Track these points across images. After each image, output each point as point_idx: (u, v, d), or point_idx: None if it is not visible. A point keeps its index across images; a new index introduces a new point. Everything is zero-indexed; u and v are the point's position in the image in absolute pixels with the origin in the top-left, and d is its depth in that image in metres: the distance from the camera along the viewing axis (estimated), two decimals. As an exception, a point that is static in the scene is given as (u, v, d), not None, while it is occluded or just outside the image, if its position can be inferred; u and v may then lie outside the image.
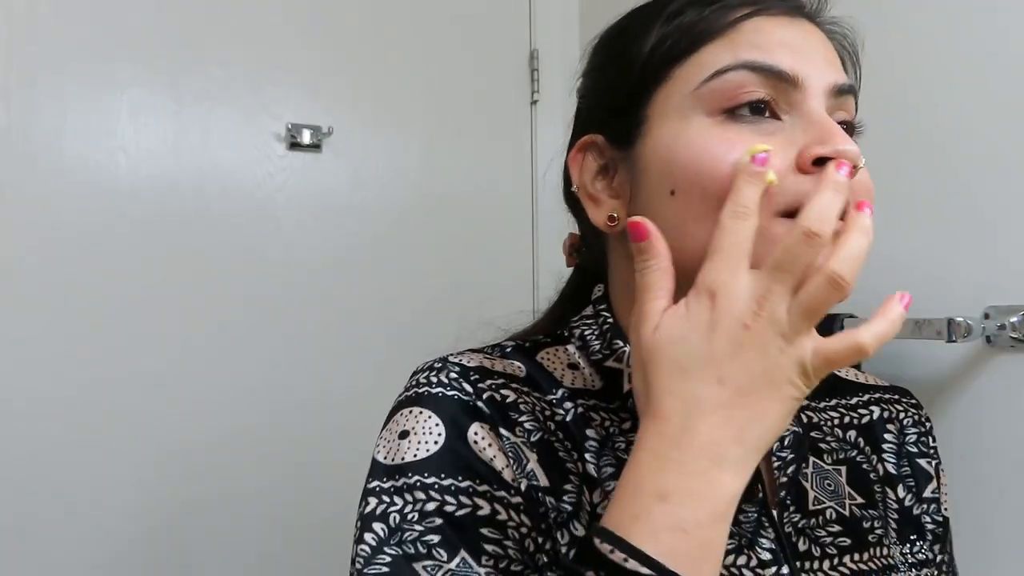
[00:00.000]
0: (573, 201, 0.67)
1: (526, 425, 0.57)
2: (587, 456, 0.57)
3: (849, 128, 0.58)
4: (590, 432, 0.58)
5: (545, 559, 0.49)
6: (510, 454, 0.55)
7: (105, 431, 1.31)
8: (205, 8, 1.41)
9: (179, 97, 1.39)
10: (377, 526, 0.53)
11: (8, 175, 1.28)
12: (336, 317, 1.46)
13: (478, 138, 1.61)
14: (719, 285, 0.47)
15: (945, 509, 0.70)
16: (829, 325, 1.06)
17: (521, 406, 0.58)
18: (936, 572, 0.67)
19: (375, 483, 0.55)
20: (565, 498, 0.56)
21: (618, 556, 0.44)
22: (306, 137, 1.45)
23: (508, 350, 0.64)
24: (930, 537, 0.68)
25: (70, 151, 1.32)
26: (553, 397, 0.60)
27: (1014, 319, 0.92)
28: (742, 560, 0.56)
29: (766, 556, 0.57)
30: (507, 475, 0.55)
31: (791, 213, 0.51)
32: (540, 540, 0.54)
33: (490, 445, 0.55)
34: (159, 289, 1.36)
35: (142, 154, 1.36)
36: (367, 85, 1.52)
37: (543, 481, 0.56)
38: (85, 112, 1.33)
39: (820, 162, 0.52)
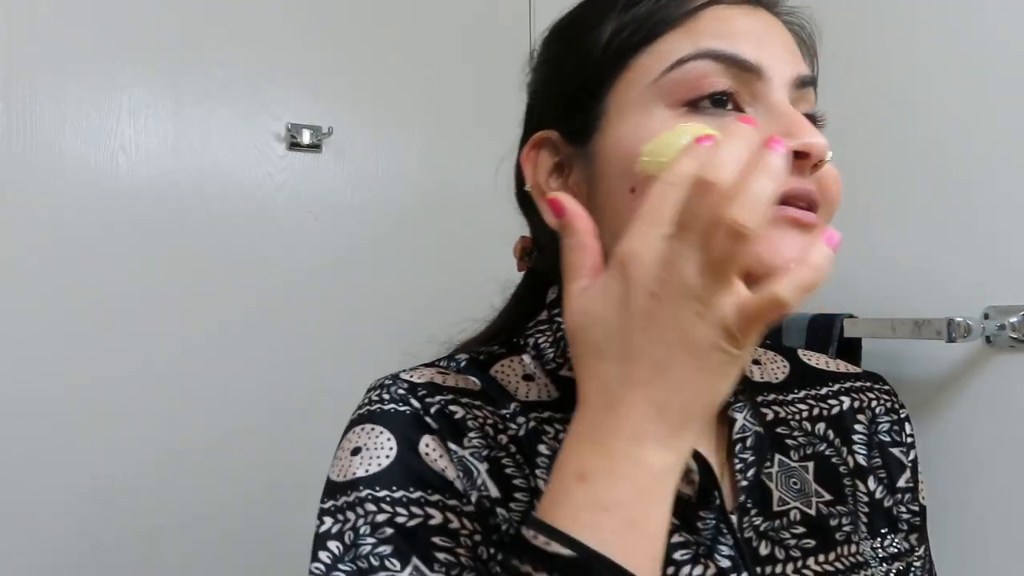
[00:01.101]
0: (525, 201, 0.64)
1: (474, 441, 0.56)
2: (538, 472, 0.56)
3: (812, 120, 0.56)
4: (542, 447, 0.57)
5: (498, 568, 0.49)
6: (459, 467, 0.54)
7: (104, 430, 1.31)
8: (205, 8, 1.41)
9: (179, 97, 1.39)
10: (332, 544, 0.52)
11: (8, 175, 1.28)
12: (336, 317, 1.46)
13: (478, 138, 1.60)
14: (629, 255, 0.44)
15: (922, 498, 0.68)
16: (829, 325, 1.06)
17: (469, 422, 0.57)
18: (913, 562, 0.65)
19: (329, 502, 0.55)
20: (514, 508, 0.55)
21: (540, 540, 0.43)
22: (306, 137, 1.45)
23: (463, 364, 0.62)
24: (905, 528, 0.66)
25: (70, 151, 1.32)
26: (506, 411, 0.58)
27: (1014, 319, 0.92)
28: (698, 571, 0.54)
29: (725, 564, 0.55)
30: (458, 485, 0.54)
31: None
32: (492, 550, 0.54)
33: (441, 456, 0.54)
34: (159, 289, 1.36)
35: (142, 154, 1.36)
36: (367, 85, 1.52)
37: (494, 492, 0.55)
38: (85, 112, 1.33)
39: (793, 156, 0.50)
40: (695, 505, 0.56)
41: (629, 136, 0.53)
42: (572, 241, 0.48)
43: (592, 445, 0.45)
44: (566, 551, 0.42)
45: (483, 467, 0.55)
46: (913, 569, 0.65)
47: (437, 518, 0.52)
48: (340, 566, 0.51)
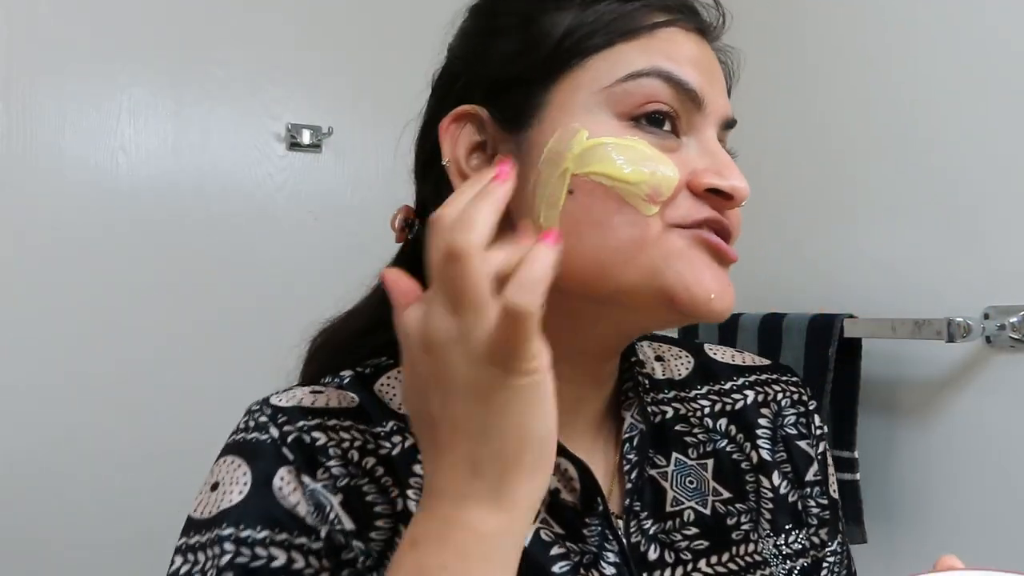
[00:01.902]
0: (425, 171, 0.61)
1: (333, 471, 0.54)
2: (410, 493, 0.54)
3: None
4: (417, 467, 0.55)
5: None
6: (311, 501, 0.53)
7: (104, 430, 1.31)
8: (205, 8, 1.41)
9: (179, 97, 1.39)
10: None
11: (8, 175, 1.28)
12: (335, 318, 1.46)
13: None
14: (399, 323, 0.44)
15: (833, 491, 0.66)
16: (829, 325, 1.06)
17: (330, 450, 0.55)
18: (826, 557, 0.64)
19: (183, 540, 0.54)
20: (375, 537, 0.53)
21: None
22: (306, 137, 1.45)
23: (346, 381, 0.60)
24: (815, 522, 0.64)
25: (70, 151, 1.32)
26: (382, 430, 0.56)
27: (1014, 319, 0.92)
28: None
29: (610, 572, 0.54)
30: (309, 521, 0.52)
31: (682, 226, 0.51)
32: None
33: (294, 491, 0.53)
34: (159, 288, 1.36)
35: (142, 154, 1.36)
36: (367, 85, 1.52)
37: (348, 524, 0.53)
38: (85, 112, 1.33)
39: (713, 191, 0.52)
40: (580, 512, 0.55)
41: None
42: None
43: (424, 511, 0.45)
44: None
45: (336, 499, 0.53)
46: (827, 564, 0.64)
47: (280, 559, 0.51)
48: None
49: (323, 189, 1.48)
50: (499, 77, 0.56)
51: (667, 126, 0.53)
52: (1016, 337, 0.92)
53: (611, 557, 0.55)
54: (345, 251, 1.48)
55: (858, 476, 1.04)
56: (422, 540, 0.44)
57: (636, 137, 0.51)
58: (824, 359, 1.06)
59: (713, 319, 0.52)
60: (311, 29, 1.48)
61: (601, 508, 0.55)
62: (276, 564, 0.51)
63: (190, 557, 0.52)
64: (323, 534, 0.52)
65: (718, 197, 0.52)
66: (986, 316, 0.94)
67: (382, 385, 0.60)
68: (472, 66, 0.59)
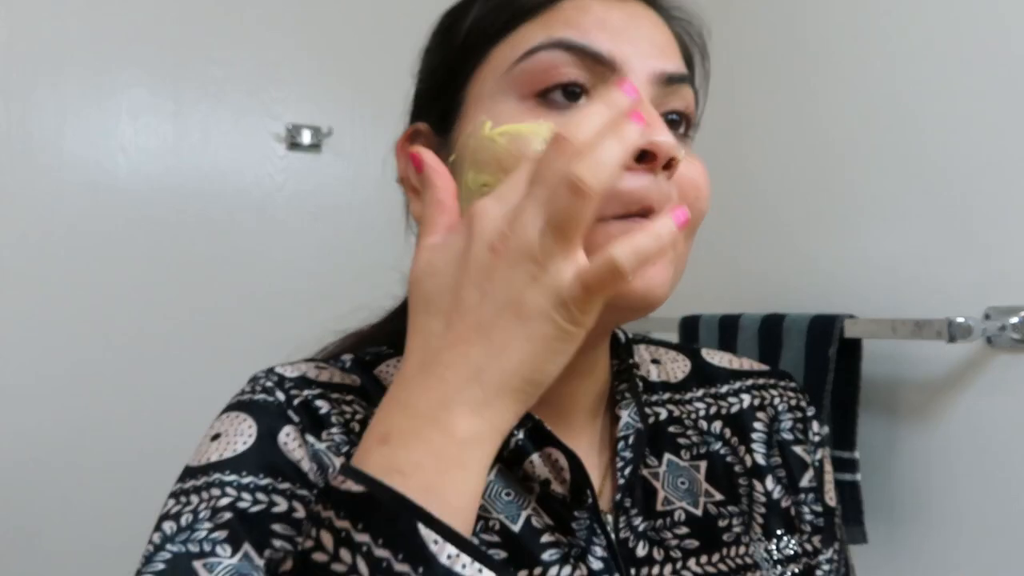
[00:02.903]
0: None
1: (335, 437, 0.54)
2: None
3: (683, 120, 0.54)
4: None
5: (307, 520, 0.48)
6: (314, 460, 0.53)
7: (103, 429, 1.31)
8: (205, 8, 1.41)
9: (179, 97, 1.39)
10: (166, 525, 0.50)
11: (8, 175, 1.28)
12: (336, 317, 1.46)
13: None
14: (478, 208, 0.42)
15: (829, 499, 0.65)
16: (829, 325, 1.06)
17: (333, 417, 0.55)
18: (821, 564, 0.63)
19: (177, 485, 0.53)
20: None
21: (338, 480, 0.41)
22: (306, 137, 1.45)
23: (348, 365, 0.60)
24: (808, 529, 0.63)
25: (70, 151, 1.32)
26: None
27: (1014, 319, 0.92)
28: (567, 571, 0.53)
29: (597, 566, 0.54)
30: (311, 477, 0.52)
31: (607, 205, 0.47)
32: None
33: (299, 446, 0.53)
34: (159, 288, 1.36)
35: (142, 154, 1.36)
36: (367, 85, 1.52)
37: None
38: (85, 112, 1.33)
39: (639, 157, 0.47)
40: (569, 505, 0.54)
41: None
42: (429, 196, 0.46)
43: (400, 406, 0.43)
44: (357, 487, 0.40)
45: (338, 461, 0.53)
46: (820, 572, 0.63)
47: (282, 506, 0.51)
48: (168, 546, 0.49)
49: (323, 189, 1.48)
50: (430, 87, 0.57)
51: (581, 98, 0.50)
52: (1017, 337, 0.92)
53: (599, 552, 0.54)
54: (345, 251, 1.49)
55: (858, 476, 1.04)
56: (396, 435, 0.42)
57: (541, 117, 0.49)
58: (824, 359, 1.06)
59: (638, 304, 0.48)
60: (311, 29, 1.48)
61: (590, 502, 0.55)
62: (277, 510, 0.51)
63: (182, 500, 0.51)
64: None
65: (645, 161, 0.48)
66: (987, 316, 0.94)
67: (381, 371, 0.60)
68: (417, 85, 0.61)
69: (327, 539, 0.40)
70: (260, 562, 0.49)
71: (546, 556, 0.53)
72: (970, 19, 1.00)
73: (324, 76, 1.49)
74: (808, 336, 1.08)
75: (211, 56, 1.41)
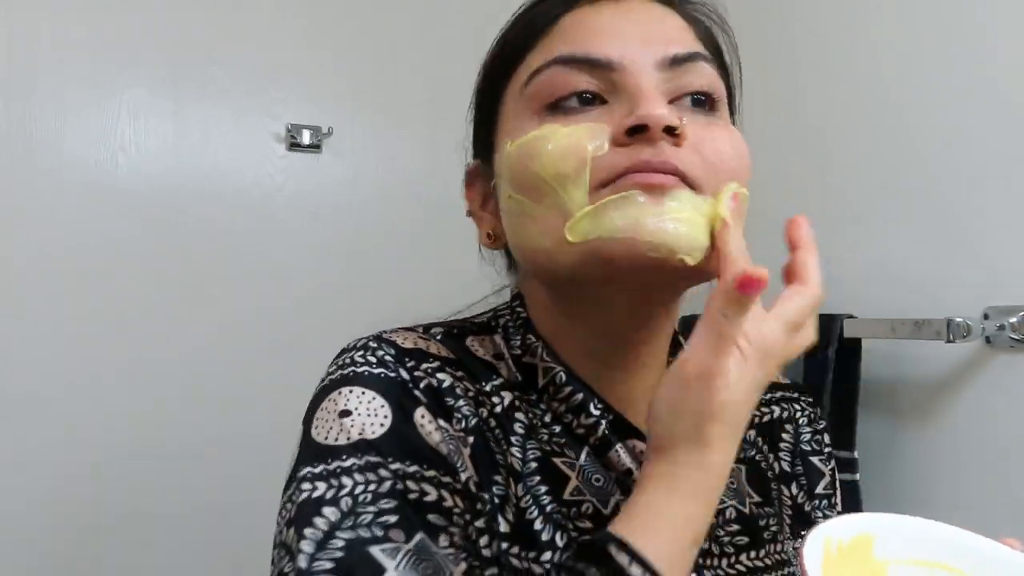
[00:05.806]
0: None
1: (463, 410, 0.55)
2: (513, 449, 0.56)
3: (706, 98, 0.56)
4: (516, 425, 0.57)
5: (487, 552, 0.50)
6: (451, 442, 0.53)
7: (103, 429, 1.31)
8: (205, 8, 1.41)
9: (179, 97, 1.39)
10: (328, 510, 0.49)
11: (8, 175, 1.28)
12: (336, 317, 1.46)
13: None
14: (772, 332, 0.53)
15: (835, 504, 0.71)
16: (829, 325, 1.06)
17: (457, 390, 0.56)
18: None
19: (320, 466, 0.51)
20: (495, 489, 0.54)
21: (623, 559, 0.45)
22: (306, 137, 1.45)
23: (439, 337, 0.61)
24: None
25: (70, 151, 1.32)
26: (486, 386, 0.58)
27: (1014, 319, 0.92)
28: None
29: None
30: (451, 461, 0.53)
31: (606, 184, 0.51)
32: (480, 528, 0.53)
33: (436, 429, 0.53)
34: (159, 288, 1.36)
35: (142, 154, 1.36)
36: (367, 85, 1.52)
37: (473, 474, 0.54)
38: (85, 112, 1.33)
39: (633, 132, 0.51)
40: None
41: (506, 147, 0.56)
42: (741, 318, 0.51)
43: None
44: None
45: (466, 450, 0.54)
46: None
47: (432, 495, 0.51)
48: (339, 533, 0.48)
49: (323, 189, 1.48)
50: (475, 121, 0.63)
51: (594, 100, 0.54)
52: (1016, 337, 0.92)
53: None
54: (345, 251, 1.49)
55: (858, 476, 1.04)
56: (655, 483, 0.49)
57: (546, 124, 0.54)
58: (824, 359, 1.06)
59: (663, 253, 0.51)
60: (311, 29, 1.48)
61: None
62: (428, 499, 0.51)
63: (333, 482, 0.51)
64: (463, 477, 0.53)
65: (641, 136, 0.51)
66: (986, 316, 0.94)
67: (471, 345, 0.62)
68: (472, 124, 0.66)
69: None
70: (439, 551, 0.49)
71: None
72: (970, 18, 1.01)
73: (324, 76, 1.49)
74: (808, 336, 1.09)
75: (211, 56, 1.41)
